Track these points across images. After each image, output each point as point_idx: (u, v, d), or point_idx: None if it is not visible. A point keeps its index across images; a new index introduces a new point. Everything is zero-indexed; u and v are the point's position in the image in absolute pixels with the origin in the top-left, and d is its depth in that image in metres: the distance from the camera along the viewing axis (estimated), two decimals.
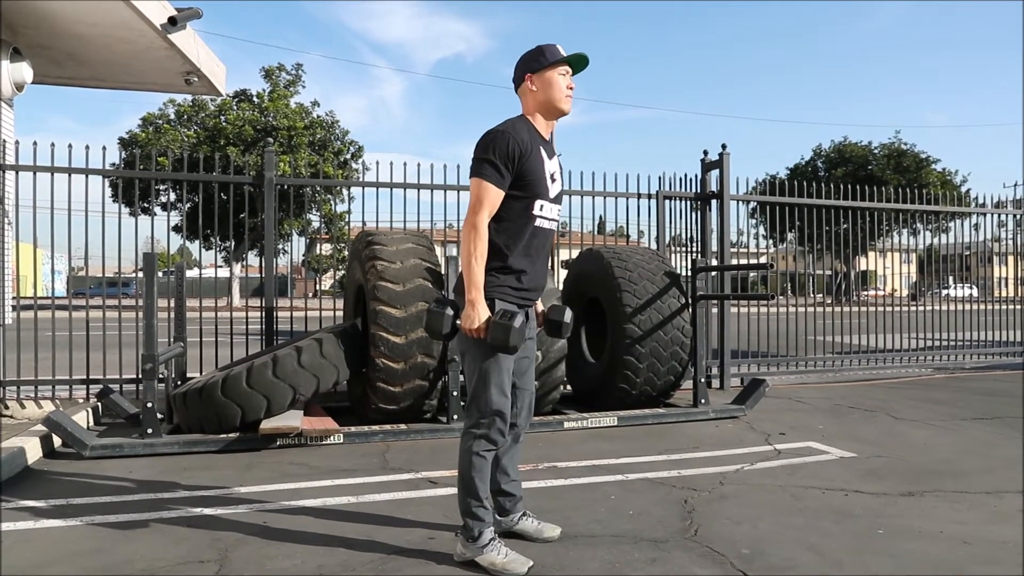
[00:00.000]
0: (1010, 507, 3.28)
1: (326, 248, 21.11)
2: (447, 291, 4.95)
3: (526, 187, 2.57)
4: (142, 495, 3.49)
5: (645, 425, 5.20)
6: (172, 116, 26.62)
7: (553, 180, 2.68)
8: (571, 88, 2.68)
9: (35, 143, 5.56)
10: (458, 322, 2.53)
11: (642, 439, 4.76)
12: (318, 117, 26.96)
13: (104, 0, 4.86)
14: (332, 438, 4.59)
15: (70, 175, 5.65)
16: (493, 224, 2.56)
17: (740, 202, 7.51)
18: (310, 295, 25.34)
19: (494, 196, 2.52)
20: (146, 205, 20.12)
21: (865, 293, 21.64)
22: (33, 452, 4.17)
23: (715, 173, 7.24)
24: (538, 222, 2.64)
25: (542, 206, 2.63)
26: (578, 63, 2.69)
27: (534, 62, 2.66)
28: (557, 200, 2.72)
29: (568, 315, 2.75)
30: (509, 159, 2.51)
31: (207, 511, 3.24)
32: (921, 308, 8.97)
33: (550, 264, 6.25)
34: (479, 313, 2.46)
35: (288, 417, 4.55)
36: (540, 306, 2.91)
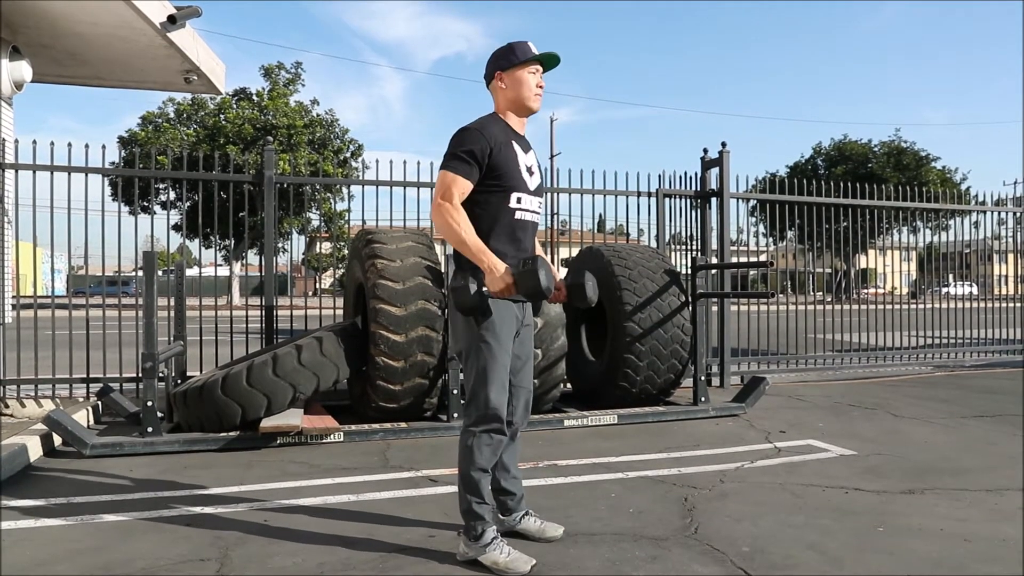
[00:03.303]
0: (1010, 505, 3.28)
1: (326, 247, 21.11)
2: (447, 289, 4.95)
3: (500, 178, 2.58)
4: (143, 494, 3.49)
5: (645, 423, 5.21)
6: (171, 115, 26.59)
7: (531, 173, 2.68)
8: (540, 86, 2.69)
9: (34, 142, 5.56)
10: (485, 290, 2.47)
11: (642, 437, 4.77)
12: (318, 116, 26.93)
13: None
14: (332, 436, 4.59)
15: (70, 174, 5.65)
16: (473, 217, 2.55)
17: (740, 200, 7.51)
18: (310, 294, 25.34)
19: (462, 184, 2.52)
20: (146, 204, 20.13)
21: (865, 291, 21.64)
22: (33, 451, 4.17)
23: (715, 171, 7.23)
24: (518, 215, 2.64)
25: (520, 198, 2.64)
26: (549, 62, 2.70)
27: (504, 60, 2.67)
28: (537, 192, 2.72)
29: (591, 280, 2.71)
30: (478, 153, 2.52)
31: (208, 510, 3.24)
32: (921, 306, 8.97)
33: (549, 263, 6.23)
34: (501, 272, 2.43)
35: (288, 415, 4.55)
36: (559, 275, 2.88)
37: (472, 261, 2.49)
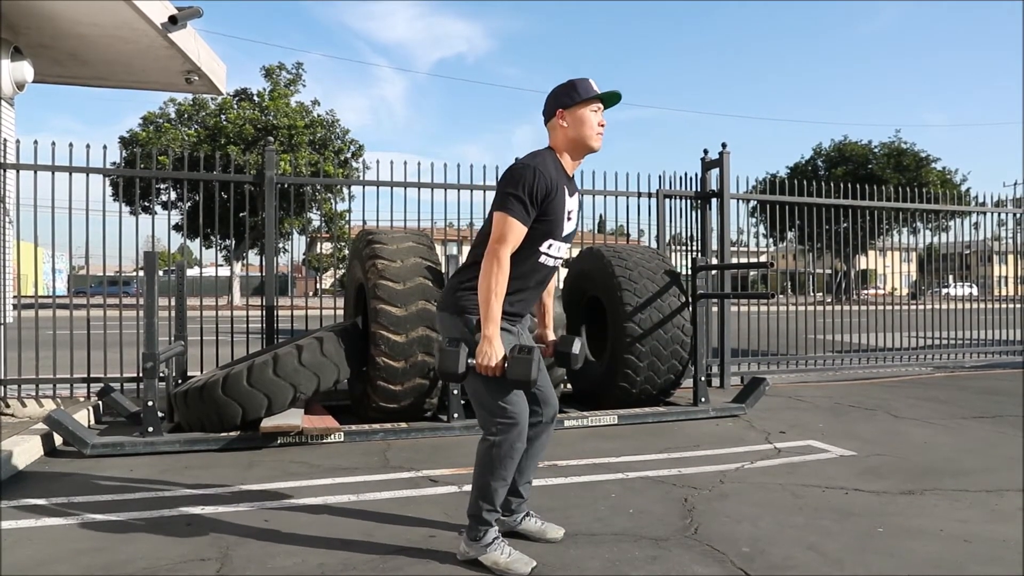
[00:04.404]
0: (1010, 505, 3.29)
1: (326, 247, 21.11)
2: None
3: (543, 225, 2.51)
4: (143, 493, 3.50)
5: (645, 424, 5.21)
6: (173, 115, 26.61)
7: (569, 219, 2.61)
8: (602, 125, 2.61)
9: (35, 142, 5.56)
10: (471, 361, 2.41)
11: (642, 438, 4.77)
12: (318, 116, 26.95)
13: (105, 0, 4.86)
14: (333, 436, 4.59)
15: (71, 174, 5.66)
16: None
17: (740, 201, 7.52)
18: (310, 294, 25.34)
19: (518, 232, 2.44)
20: (147, 204, 20.15)
21: (865, 292, 21.64)
22: (34, 451, 4.18)
23: (715, 172, 7.24)
24: (543, 259, 2.58)
25: (551, 244, 2.58)
26: (610, 99, 2.62)
27: (566, 97, 2.57)
28: (568, 239, 2.66)
29: (578, 346, 2.69)
30: (536, 197, 2.45)
31: (208, 509, 3.24)
32: (921, 307, 8.98)
33: None
34: (496, 350, 2.37)
35: (289, 416, 4.56)
36: (551, 335, 2.89)
37: (481, 315, 2.41)
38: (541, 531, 2.83)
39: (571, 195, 2.61)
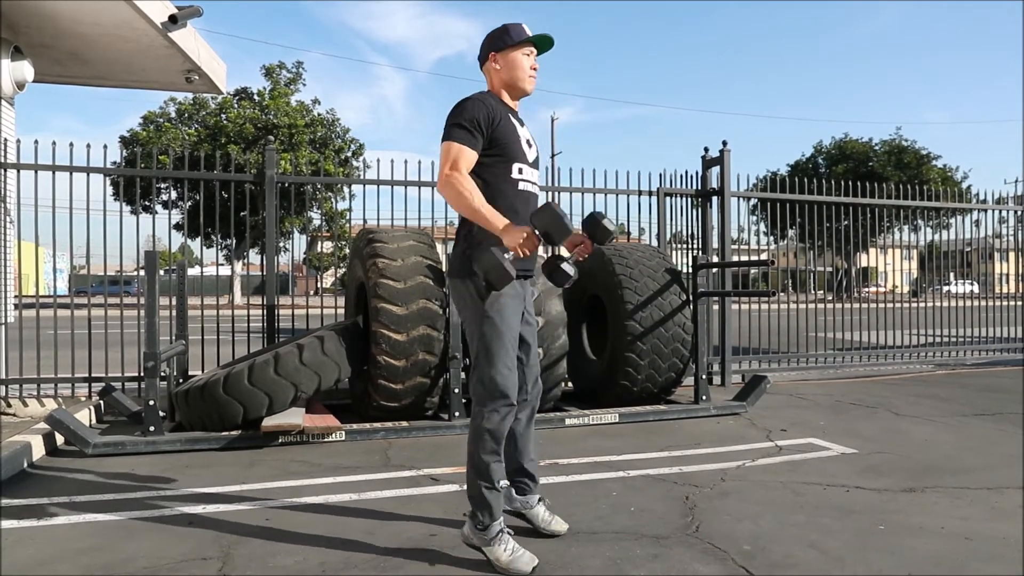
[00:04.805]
0: (1011, 503, 3.28)
1: (327, 246, 21.12)
2: (448, 288, 4.95)
3: (503, 149, 2.59)
4: (144, 493, 3.50)
5: (646, 422, 5.21)
6: (173, 114, 26.59)
7: (530, 145, 2.70)
8: (535, 68, 2.71)
9: (36, 141, 5.57)
10: (508, 254, 2.37)
11: (643, 436, 4.77)
12: (319, 115, 26.93)
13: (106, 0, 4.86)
14: (334, 435, 4.59)
15: (71, 173, 5.66)
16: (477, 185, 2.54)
17: (741, 199, 7.51)
18: (311, 293, 25.36)
19: (468, 155, 2.51)
20: (147, 203, 20.15)
21: (866, 289, 21.63)
22: (36, 450, 4.18)
23: (716, 170, 7.23)
24: (521, 185, 2.65)
25: (521, 169, 2.65)
26: (543, 43, 2.72)
27: (499, 40, 2.68)
28: (535, 165, 2.74)
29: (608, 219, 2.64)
30: (480, 123, 2.52)
31: (209, 509, 3.25)
32: (922, 304, 8.97)
33: None
34: (516, 231, 2.38)
35: (290, 415, 4.56)
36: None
37: (487, 228, 2.45)
38: (547, 522, 2.86)
39: (521, 125, 2.70)
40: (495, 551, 2.52)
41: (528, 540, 2.76)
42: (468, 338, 2.68)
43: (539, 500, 2.90)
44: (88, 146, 5.73)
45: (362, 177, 6.59)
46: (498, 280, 2.34)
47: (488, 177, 2.59)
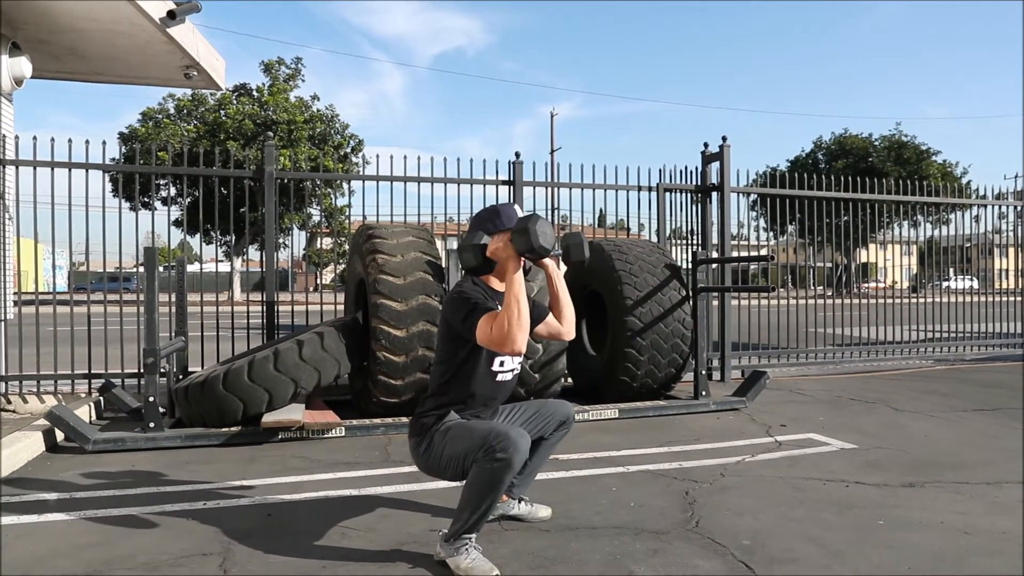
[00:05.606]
0: (1010, 498, 3.29)
1: (327, 242, 21.10)
2: (447, 284, 4.95)
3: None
4: (144, 489, 3.50)
5: (646, 417, 5.21)
6: (172, 111, 26.55)
7: None
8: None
9: (35, 138, 5.56)
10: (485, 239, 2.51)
11: (643, 431, 4.77)
12: (318, 111, 26.89)
13: None
14: (334, 431, 4.60)
15: (70, 170, 5.65)
16: (449, 378, 2.54)
17: (740, 194, 7.50)
18: (311, 289, 25.35)
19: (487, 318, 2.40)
20: (146, 200, 20.12)
21: (865, 285, 21.63)
22: (36, 446, 4.19)
23: (715, 165, 7.22)
24: (499, 377, 2.62)
25: (502, 362, 2.60)
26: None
27: (490, 224, 2.63)
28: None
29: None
30: (481, 304, 2.46)
31: (209, 504, 3.25)
32: (922, 300, 8.97)
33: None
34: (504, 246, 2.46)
35: (290, 411, 4.56)
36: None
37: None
38: (531, 512, 2.94)
39: None
40: (456, 559, 2.45)
41: (528, 537, 2.77)
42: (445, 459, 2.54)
43: (519, 501, 2.95)
44: (87, 142, 5.72)
45: (361, 173, 6.58)
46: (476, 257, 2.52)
47: (463, 370, 2.53)
